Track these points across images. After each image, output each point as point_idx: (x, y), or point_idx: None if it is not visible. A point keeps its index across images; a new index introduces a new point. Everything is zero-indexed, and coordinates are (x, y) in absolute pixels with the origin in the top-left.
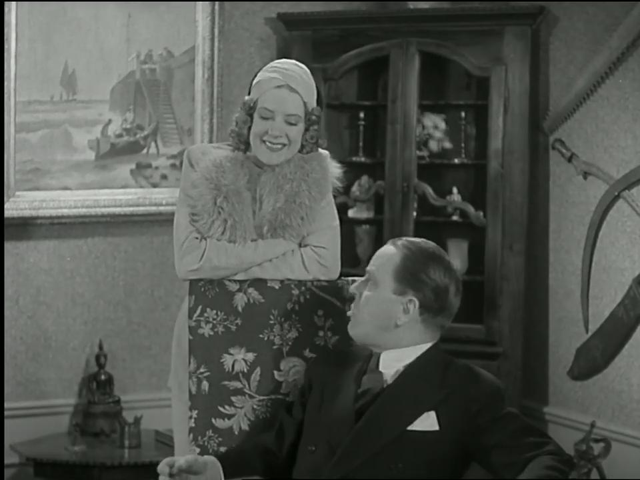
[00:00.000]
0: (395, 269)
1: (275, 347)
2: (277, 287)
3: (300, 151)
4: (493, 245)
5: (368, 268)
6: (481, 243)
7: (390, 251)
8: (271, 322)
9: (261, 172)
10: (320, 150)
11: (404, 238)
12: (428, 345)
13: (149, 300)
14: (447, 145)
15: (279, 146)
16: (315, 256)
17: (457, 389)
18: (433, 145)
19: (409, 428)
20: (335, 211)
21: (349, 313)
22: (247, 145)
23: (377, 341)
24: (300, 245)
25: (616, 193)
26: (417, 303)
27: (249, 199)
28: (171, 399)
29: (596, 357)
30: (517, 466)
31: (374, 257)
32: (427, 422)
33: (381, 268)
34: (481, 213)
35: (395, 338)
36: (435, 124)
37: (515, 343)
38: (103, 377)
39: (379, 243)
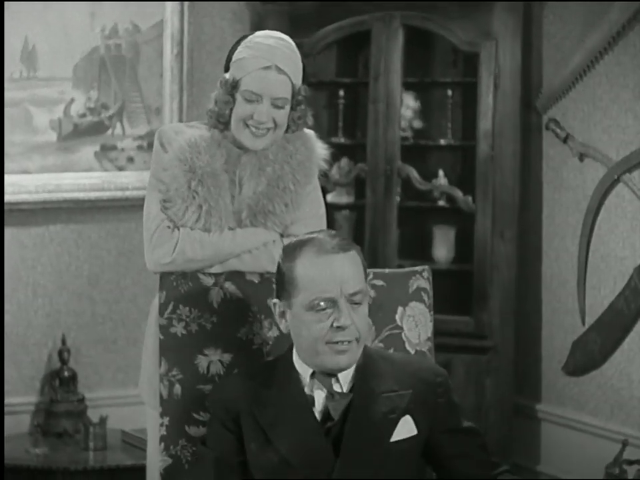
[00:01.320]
0: (364, 271)
1: (254, 347)
2: (256, 281)
3: (285, 131)
4: (482, 232)
5: (355, 290)
6: (469, 230)
7: (354, 259)
8: (250, 319)
9: (241, 153)
10: (305, 129)
11: (332, 242)
12: None
13: (114, 291)
14: (418, 124)
15: (264, 131)
16: None
17: (413, 385)
18: (405, 124)
19: (393, 439)
20: (322, 198)
21: (342, 347)
22: (226, 125)
23: None
24: (282, 235)
25: (615, 177)
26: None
27: (227, 182)
28: (145, 408)
29: (593, 351)
30: (478, 475)
31: (347, 277)
32: (405, 428)
33: (363, 280)
34: (470, 198)
35: None
36: (407, 104)
37: (506, 336)
38: (66, 374)
39: (359, 229)
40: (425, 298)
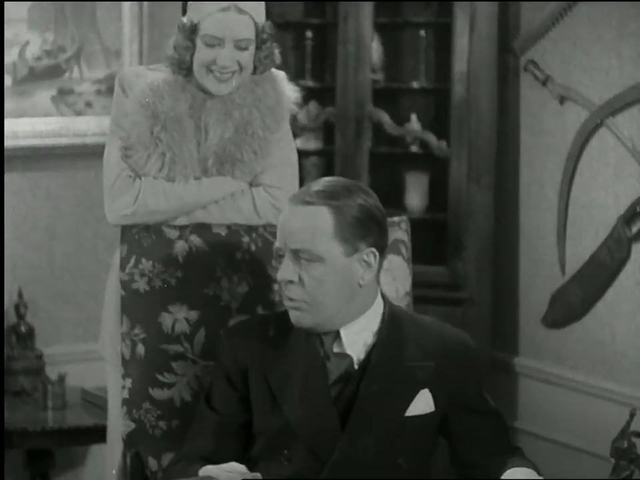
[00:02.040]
0: (334, 231)
1: (222, 304)
2: (223, 234)
3: (252, 73)
4: (457, 178)
5: (296, 247)
6: (443, 177)
7: (313, 216)
8: (217, 274)
9: (206, 97)
10: (273, 70)
11: (302, 192)
12: (380, 303)
13: (73, 242)
14: (389, 66)
15: (229, 74)
16: (269, 197)
17: (439, 358)
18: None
19: (407, 414)
20: (293, 144)
21: (292, 304)
22: (189, 71)
23: (339, 319)
24: (251, 185)
25: (598, 121)
26: (375, 250)
27: (192, 128)
28: (106, 366)
29: (574, 303)
30: (496, 463)
31: (290, 232)
32: (423, 403)
33: (317, 239)
34: (444, 143)
35: (358, 305)
36: (378, 45)
37: (482, 287)
38: (23, 329)
39: (328, 175)
40: (403, 250)
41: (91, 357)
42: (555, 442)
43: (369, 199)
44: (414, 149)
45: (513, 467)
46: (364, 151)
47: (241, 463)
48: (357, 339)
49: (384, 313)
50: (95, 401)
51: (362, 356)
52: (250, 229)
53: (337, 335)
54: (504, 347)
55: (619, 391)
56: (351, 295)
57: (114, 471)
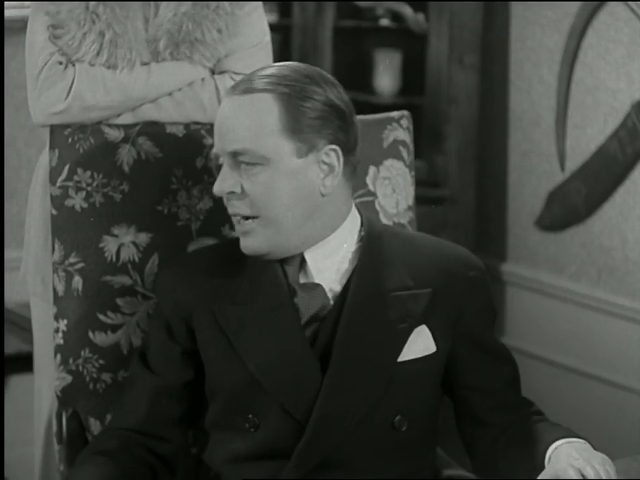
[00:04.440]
0: (281, 124)
1: (179, 224)
2: (180, 135)
3: None
4: (436, 57)
5: (235, 148)
6: (420, 55)
7: (254, 107)
8: (173, 187)
9: None
10: None
11: (243, 80)
12: (357, 218)
13: None
14: None
15: None
16: None
17: (436, 283)
18: None
19: (401, 358)
20: (265, 20)
21: (240, 228)
22: None
23: (301, 240)
24: (214, 72)
25: None
26: (338, 148)
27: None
28: (30, 298)
29: (576, 203)
30: (505, 418)
31: (227, 130)
32: (420, 343)
33: (260, 136)
34: (421, 16)
35: (323, 221)
36: None
37: (466, 183)
38: None
39: (285, 56)
40: (404, 154)
41: (12, 265)
42: (547, 361)
43: (330, 89)
44: (385, 22)
45: (554, 437)
46: (326, 25)
47: (184, 435)
48: (327, 264)
49: (361, 231)
50: (18, 322)
51: (337, 288)
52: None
53: (301, 261)
54: (490, 251)
55: (630, 305)
56: (311, 207)
57: (42, 432)
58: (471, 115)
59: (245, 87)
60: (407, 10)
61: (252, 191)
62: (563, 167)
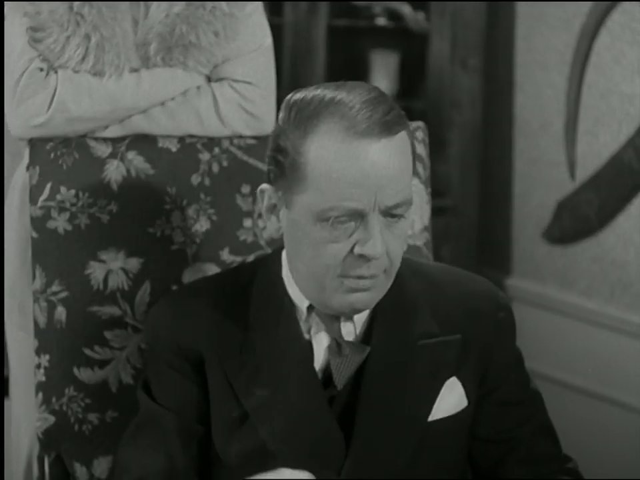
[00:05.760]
0: (412, 163)
1: (173, 248)
2: (174, 149)
3: None
4: (437, 59)
5: (395, 201)
6: (420, 57)
7: (400, 148)
8: (167, 206)
9: None
10: None
11: (364, 117)
12: None
13: None
14: None
15: None
16: (237, 96)
17: (465, 327)
18: None
19: (432, 417)
20: (266, 22)
21: (360, 284)
22: None
23: None
24: (210, 79)
25: None
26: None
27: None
28: (5, 326)
29: (588, 214)
30: (530, 473)
31: (385, 182)
32: (451, 398)
33: (409, 183)
34: (422, 15)
35: None
36: None
37: (469, 193)
38: None
39: (277, 56)
40: (420, 169)
41: None
42: (556, 382)
43: None
44: (381, 21)
45: None
46: (320, 24)
47: None
48: (362, 317)
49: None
50: None
51: (351, 336)
52: (211, 142)
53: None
54: (493, 264)
55: None
56: None
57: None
58: (474, 120)
59: (386, 124)
60: (406, 8)
61: (393, 246)
62: (573, 176)
